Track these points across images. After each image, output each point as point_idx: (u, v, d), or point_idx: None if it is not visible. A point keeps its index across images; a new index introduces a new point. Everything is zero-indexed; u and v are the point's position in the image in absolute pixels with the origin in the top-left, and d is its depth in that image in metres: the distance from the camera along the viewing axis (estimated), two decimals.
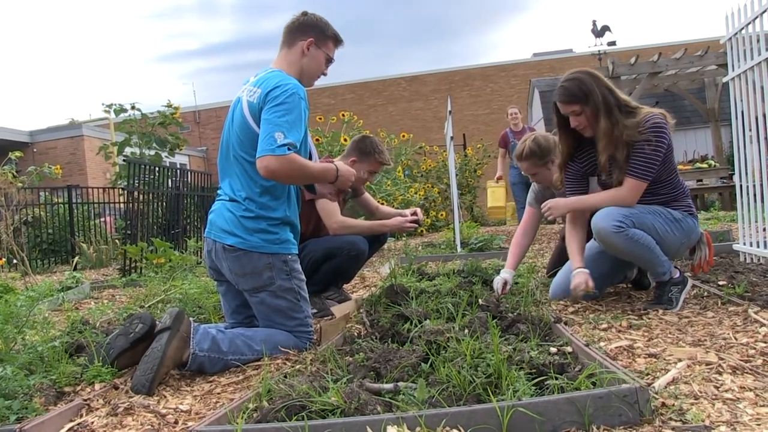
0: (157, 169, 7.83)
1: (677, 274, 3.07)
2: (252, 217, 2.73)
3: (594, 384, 1.80)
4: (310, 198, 3.67)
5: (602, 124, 2.97)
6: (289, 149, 2.55)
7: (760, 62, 3.91)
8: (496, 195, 8.83)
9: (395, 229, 3.99)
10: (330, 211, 3.76)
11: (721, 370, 2.04)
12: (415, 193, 10.45)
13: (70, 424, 2.08)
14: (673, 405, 1.74)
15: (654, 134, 2.93)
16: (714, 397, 1.81)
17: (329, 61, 3.00)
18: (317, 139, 9.01)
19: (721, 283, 3.48)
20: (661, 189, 3.09)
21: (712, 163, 11.76)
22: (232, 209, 2.77)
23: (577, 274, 3.09)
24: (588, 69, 3.14)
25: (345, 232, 3.75)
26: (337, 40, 3.00)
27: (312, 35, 2.89)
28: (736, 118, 4.34)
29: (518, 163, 3.83)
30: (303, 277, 2.89)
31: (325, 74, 3.03)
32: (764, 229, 4.07)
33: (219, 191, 2.93)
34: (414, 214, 3.95)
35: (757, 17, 3.91)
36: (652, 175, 2.97)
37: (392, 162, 4.12)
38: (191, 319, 2.63)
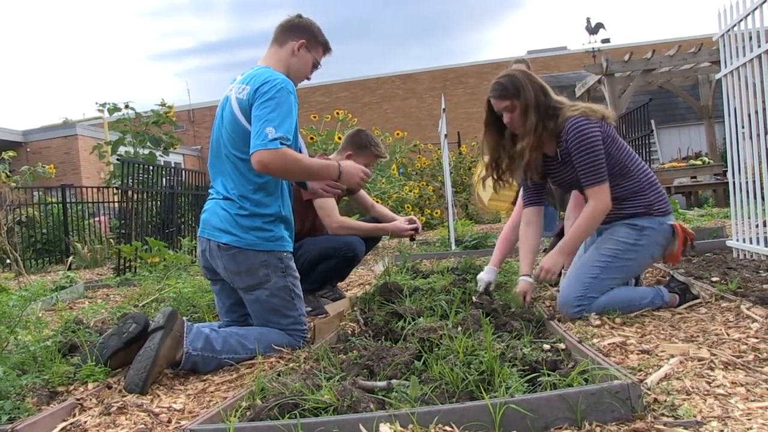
0: (151, 168, 7.82)
1: (667, 296, 2.99)
2: (247, 215, 2.73)
3: (586, 380, 1.81)
4: (308, 198, 3.66)
5: (532, 120, 2.94)
6: (281, 143, 2.54)
7: (752, 59, 3.92)
8: None
9: (394, 234, 3.98)
10: (329, 210, 3.76)
11: (713, 365, 2.05)
12: (410, 191, 10.45)
13: (63, 424, 2.07)
14: (665, 401, 1.74)
15: (577, 138, 2.87)
16: (706, 392, 1.81)
17: (315, 66, 3.02)
18: (311, 138, 9.00)
19: (714, 279, 3.49)
20: (613, 182, 2.97)
21: (706, 159, 11.81)
22: (226, 207, 2.76)
23: (521, 281, 3.08)
24: (523, 69, 3.15)
25: (344, 233, 3.75)
26: (326, 48, 3.04)
27: (305, 37, 2.92)
28: (729, 114, 4.35)
29: None
30: (297, 274, 2.90)
31: (309, 78, 3.06)
32: (757, 226, 4.08)
33: (211, 190, 2.93)
34: (410, 221, 3.94)
35: (749, 14, 3.92)
36: (605, 172, 2.90)
37: (388, 155, 4.14)
38: (184, 318, 2.63)
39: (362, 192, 4.25)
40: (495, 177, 3.24)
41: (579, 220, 2.97)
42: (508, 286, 3.62)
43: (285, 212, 2.87)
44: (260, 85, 2.67)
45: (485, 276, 3.50)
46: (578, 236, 2.98)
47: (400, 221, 3.96)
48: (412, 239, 4.17)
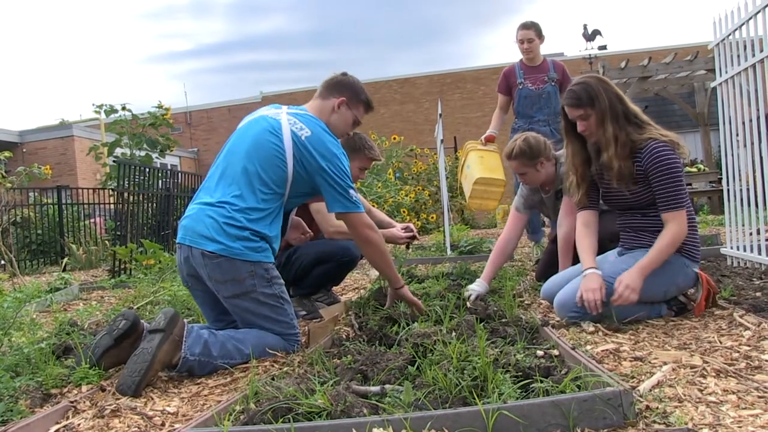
0: (147, 170, 7.82)
1: (663, 311, 2.98)
2: (237, 226, 2.70)
3: (579, 387, 1.81)
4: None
5: (609, 130, 2.89)
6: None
7: (747, 68, 3.95)
8: (487, 161, 5.09)
9: (390, 241, 3.97)
10: (326, 214, 3.75)
11: (706, 373, 2.05)
12: (406, 195, 10.47)
13: (56, 427, 2.07)
14: (657, 408, 1.75)
15: (659, 162, 2.82)
16: (698, 400, 1.82)
17: (356, 123, 3.15)
18: None
19: None
20: (651, 213, 2.96)
21: (702, 167, 11.85)
22: (214, 215, 2.72)
23: (589, 275, 2.87)
24: (598, 75, 3.08)
25: (340, 237, 3.74)
26: (368, 106, 3.16)
27: (345, 95, 3.06)
28: (724, 122, 4.37)
29: (507, 162, 3.80)
30: (282, 281, 2.87)
31: (349, 134, 3.25)
32: (751, 234, 4.10)
33: (201, 194, 2.89)
34: (407, 229, 3.93)
35: (744, 23, 3.95)
36: (685, 197, 2.85)
37: (383, 158, 4.07)
38: (185, 320, 2.61)
39: (359, 196, 4.25)
40: (583, 186, 3.14)
41: (659, 244, 2.84)
42: (503, 291, 3.63)
43: (272, 238, 2.84)
44: (327, 143, 2.85)
45: (477, 288, 3.50)
46: (659, 259, 2.84)
47: (397, 228, 3.95)
48: (407, 246, 4.17)
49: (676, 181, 2.83)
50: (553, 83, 5.38)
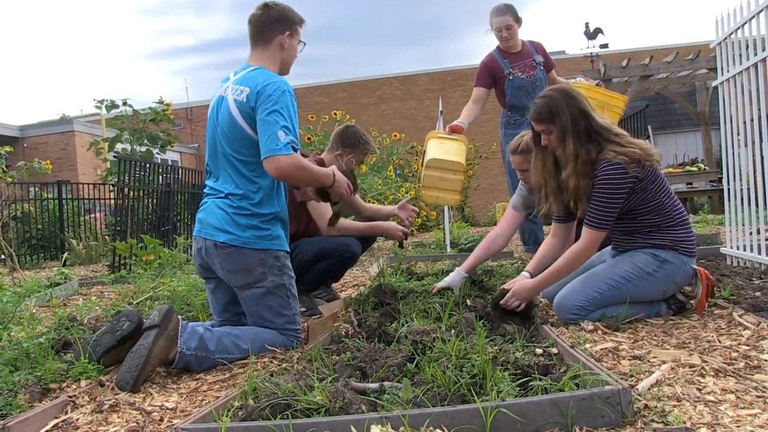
0: (147, 165, 7.83)
1: (663, 311, 2.98)
2: (246, 214, 2.74)
3: (578, 385, 1.81)
4: (301, 200, 3.66)
5: (570, 147, 2.87)
6: (293, 148, 2.60)
7: (749, 67, 3.94)
8: (447, 146, 4.38)
9: (388, 233, 3.96)
10: (322, 212, 3.74)
11: (704, 372, 2.05)
12: (406, 192, 10.46)
13: (55, 421, 2.08)
14: (656, 407, 1.75)
15: (603, 181, 2.80)
16: (696, 399, 1.82)
17: (301, 44, 3.04)
18: (309, 138, 9.01)
19: None
20: (640, 217, 2.93)
21: (702, 166, 11.82)
22: (224, 206, 2.77)
23: (520, 277, 3.04)
24: (566, 87, 3.05)
25: (337, 233, 3.74)
26: (302, 22, 3.01)
27: (288, 28, 2.93)
28: (725, 122, 4.37)
29: (511, 156, 3.75)
30: (293, 274, 2.91)
31: (297, 56, 3.05)
32: (751, 233, 4.10)
33: (208, 189, 2.93)
34: (404, 208, 3.93)
35: (746, 22, 3.94)
36: (608, 224, 2.85)
37: (378, 149, 3.97)
38: (179, 317, 2.63)
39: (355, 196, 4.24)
40: (556, 198, 3.12)
41: (562, 259, 2.93)
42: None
43: (281, 212, 2.88)
44: (262, 87, 2.68)
45: (450, 280, 3.49)
46: (558, 275, 2.94)
47: (395, 209, 3.97)
48: (400, 246, 4.14)
49: (606, 203, 2.82)
50: (541, 68, 5.14)
